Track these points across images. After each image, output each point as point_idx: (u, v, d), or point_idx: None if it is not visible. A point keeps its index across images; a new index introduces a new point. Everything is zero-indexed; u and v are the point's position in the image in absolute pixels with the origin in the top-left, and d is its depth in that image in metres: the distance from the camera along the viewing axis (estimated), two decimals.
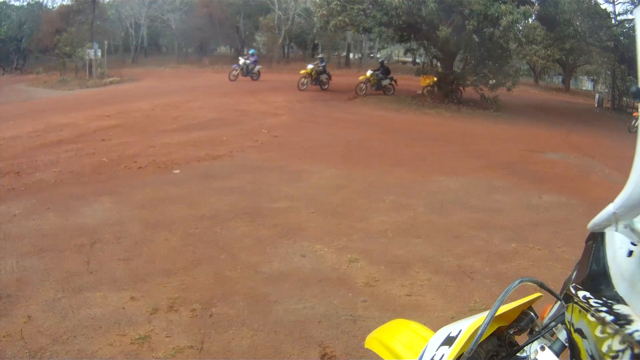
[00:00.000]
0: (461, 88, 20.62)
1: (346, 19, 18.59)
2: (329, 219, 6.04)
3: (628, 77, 26.23)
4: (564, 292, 1.27)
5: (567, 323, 1.13)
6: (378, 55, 47.06)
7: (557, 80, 43.57)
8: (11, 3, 32.93)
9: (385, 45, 35.82)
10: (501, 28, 16.91)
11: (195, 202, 6.42)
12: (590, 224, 1.13)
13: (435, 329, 1.46)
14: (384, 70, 22.32)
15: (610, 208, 1.01)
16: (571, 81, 39.57)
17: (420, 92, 21.43)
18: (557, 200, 7.51)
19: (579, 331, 1.05)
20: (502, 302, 1.13)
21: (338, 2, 18.26)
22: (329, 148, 10.31)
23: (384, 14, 17.57)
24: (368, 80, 21.93)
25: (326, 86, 22.42)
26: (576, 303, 1.08)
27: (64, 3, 32.91)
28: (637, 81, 0.96)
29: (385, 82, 22.21)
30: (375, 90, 21.85)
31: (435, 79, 20.92)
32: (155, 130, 11.32)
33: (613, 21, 25.61)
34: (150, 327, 3.51)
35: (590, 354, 1.00)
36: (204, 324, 3.59)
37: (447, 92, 20.37)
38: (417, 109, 18.55)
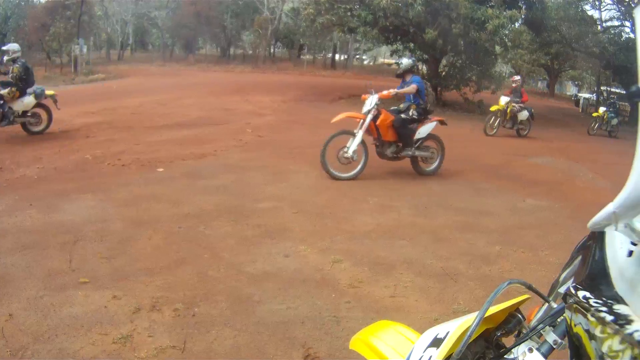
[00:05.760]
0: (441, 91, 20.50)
1: (333, 18, 18.57)
2: (313, 219, 6.02)
3: (612, 83, 26.61)
4: (552, 294, 1.27)
5: (567, 319, 1.13)
6: (364, 57, 47.22)
7: (542, 85, 44.06)
8: None
9: (371, 47, 35.89)
10: (487, 32, 17.03)
11: (179, 200, 6.37)
12: (590, 223, 1.13)
13: (419, 330, 1.46)
14: None
15: (610, 207, 1.02)
16: (556, 86, 39.99)
17: None
18: (541, 203, 7.57)
19: (586, 331, 1.05)
20: (491, 304, 1.13)
21: (326, 0, 18.23)
22: (314, 148, 10.24)
23: (370, 13, 17.60)
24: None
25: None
26: (576, 303, 1.09)
27: None
28: (637, 81, 0.97)
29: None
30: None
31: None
32: (140, 128, 11.23)
33: (599, 28, 25.94)
34: (133, 326, 3.47)
35: (599, 354, 1.00)
36: (186, 323, 3.56)
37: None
38: None
